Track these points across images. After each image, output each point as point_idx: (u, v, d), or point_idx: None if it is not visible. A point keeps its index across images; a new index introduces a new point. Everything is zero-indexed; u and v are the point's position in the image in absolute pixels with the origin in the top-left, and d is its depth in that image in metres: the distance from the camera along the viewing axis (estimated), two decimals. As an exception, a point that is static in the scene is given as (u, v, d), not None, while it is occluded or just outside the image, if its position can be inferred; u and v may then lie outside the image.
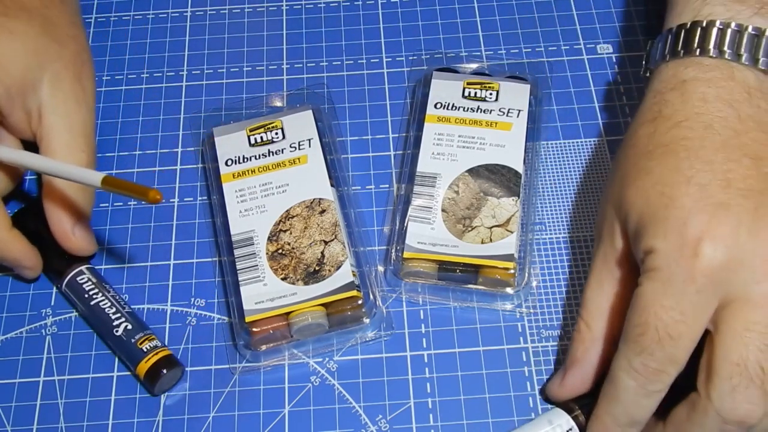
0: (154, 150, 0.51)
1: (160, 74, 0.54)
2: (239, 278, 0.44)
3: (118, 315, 0.43)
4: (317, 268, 0.43)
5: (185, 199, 0.49)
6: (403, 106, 0.52)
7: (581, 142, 0.50)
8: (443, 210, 0.45)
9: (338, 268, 0.43)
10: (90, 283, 0.44)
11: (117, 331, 0.43)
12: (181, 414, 0.42)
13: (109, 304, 0.44)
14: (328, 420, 0.42)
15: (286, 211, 0.45)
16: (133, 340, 0.43)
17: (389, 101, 0.52)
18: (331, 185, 0.46)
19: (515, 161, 0.46)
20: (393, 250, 0.45)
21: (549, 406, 0.42)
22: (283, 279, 0.43)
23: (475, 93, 0.48)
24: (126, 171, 0.50)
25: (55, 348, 0.44)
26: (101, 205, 0.49)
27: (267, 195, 0.46)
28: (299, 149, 0.47)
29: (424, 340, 0.44)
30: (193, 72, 0.54)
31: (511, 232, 0.44)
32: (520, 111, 0.48)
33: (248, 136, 0.48)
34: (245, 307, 0.43)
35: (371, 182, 0.49)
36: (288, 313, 0.43)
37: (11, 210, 0.48)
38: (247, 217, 0.45)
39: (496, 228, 0.44)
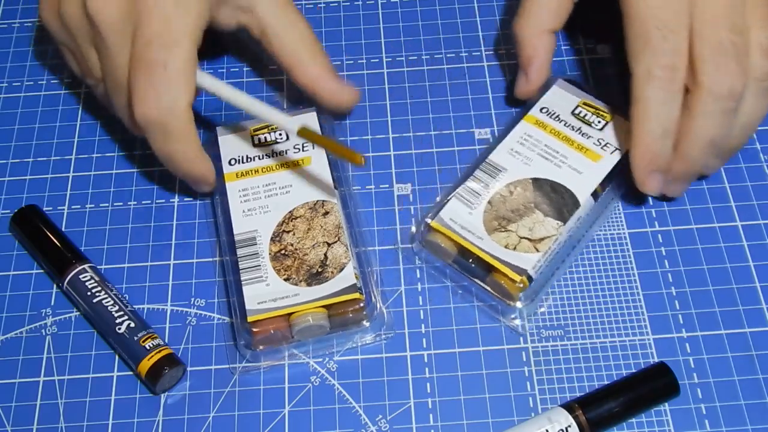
0: (154, 150, 0.51)
1: (160, 74, 0.54)
2: (242, 278, 0.43)
3: (121, 313, 0.43)
4: (320, 270, 0.43)
5: (185, 200, 0.49)
6: (410, 104, 0.52)
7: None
8: (489, 202, 0.45)
9: (341, 270, 0.43)
10: (93, 281, 0.44)
11: (119, 329, 0.43)
12: (181, 414, 0.42)
13: (111, 302, 0.44)
14: (328, 420, 0.42)
15: (290, 212, 0.45)
16: (135, 338, 0.43)
17: (389, 101, 0.52)
18: (335, 186, 0.46)
19: (582, 191, 0.45)
20: (425, 217, 0.45)
21: (549, 405, 0.42)
22: (285, 280, 0.43)
23: (585, 115, 0.47)
24: (126, 171, 0.50)
25: (55, 348, 0.44)
26: (101, 205, 0.49)
27: (270, 195, 0.46)
28: (303, 150, 0.47)
29: (424, 340, 0.44)
30: (193, 72, 0.54)
31: (538, 251, 0.43)
32: (617, 149, 0.46)
33: (252, 136, 0.48)
34: (247, 306, 0.43)
35: (371, 182, 0.49)
36: (290, 314, 0.43)
37: (11, 210, 0.48)
38: (250, 217, 0.45)
39: (525, 240, 0.44)
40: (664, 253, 0.46)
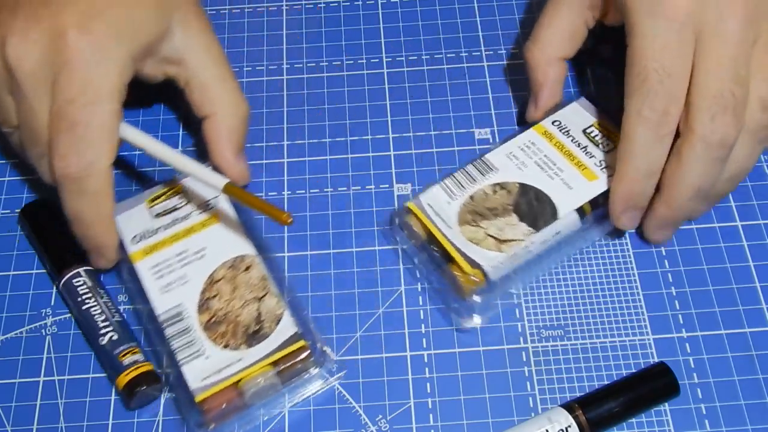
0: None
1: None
2: (178, 358, 0.41)
3: (107, 324, 0.43)
4: (257, 328, 0.42)
5: (185, 199, 0.49)
6: (410, 103, 0.52)
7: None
8: (471, 197, 0.45)
9: (278, 322, 0.42)
10: (84, 286, 0.44)
11: (102, 341, 0.42)
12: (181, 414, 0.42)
13: (99, 310, 0.43)
14: (328, 420, 0.42)
15: (210, 276, 0.43)
16: (115, 352, 0.42)
17: (389, 101, 0.52)
18: (248, 239, 0.44)
19: (566, 206, 0.44)
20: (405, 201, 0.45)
21: (549, 405, 0.42)
22: (224, 347, 0.41)
23: (596, 135, 0.46)
24: (126, 171, 0.50)
25: (55, 348, 0.44)
26: (101, 205, 0.49)
27: (185, 264, 0.43)
28: (207, 210, 0.45)
29: (424, 340, 0.44)
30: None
31: (500, 252, 0.43)
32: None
33: (150, 208, 0.45)
34: (192, 387, 0.40)
35: (371, 182, 0.49)
36: (237, 381, 0.40)
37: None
38: (169, 292, 0.43)
39: (492, 238, 0.43)
40: (664, 253, 0.46)
